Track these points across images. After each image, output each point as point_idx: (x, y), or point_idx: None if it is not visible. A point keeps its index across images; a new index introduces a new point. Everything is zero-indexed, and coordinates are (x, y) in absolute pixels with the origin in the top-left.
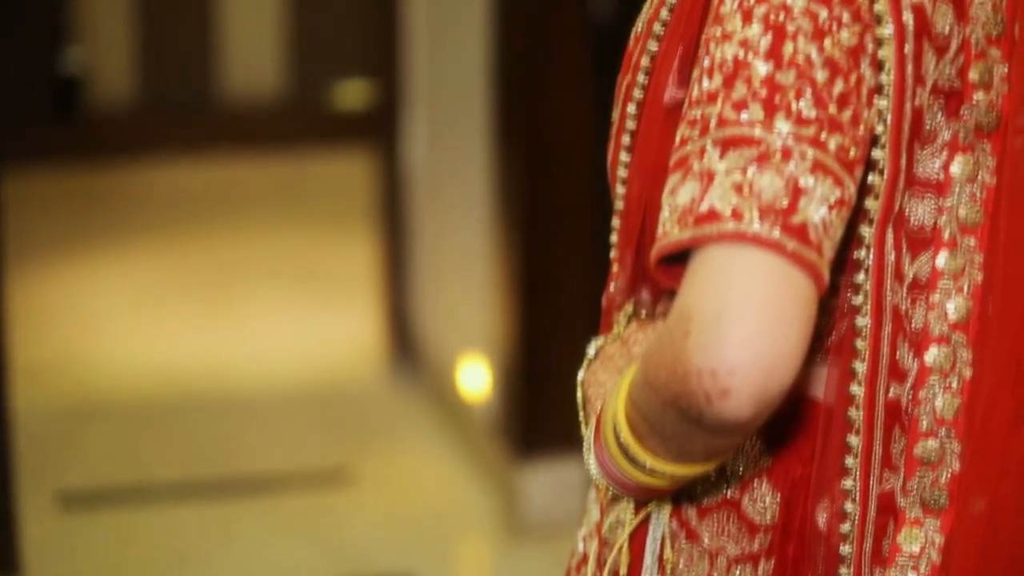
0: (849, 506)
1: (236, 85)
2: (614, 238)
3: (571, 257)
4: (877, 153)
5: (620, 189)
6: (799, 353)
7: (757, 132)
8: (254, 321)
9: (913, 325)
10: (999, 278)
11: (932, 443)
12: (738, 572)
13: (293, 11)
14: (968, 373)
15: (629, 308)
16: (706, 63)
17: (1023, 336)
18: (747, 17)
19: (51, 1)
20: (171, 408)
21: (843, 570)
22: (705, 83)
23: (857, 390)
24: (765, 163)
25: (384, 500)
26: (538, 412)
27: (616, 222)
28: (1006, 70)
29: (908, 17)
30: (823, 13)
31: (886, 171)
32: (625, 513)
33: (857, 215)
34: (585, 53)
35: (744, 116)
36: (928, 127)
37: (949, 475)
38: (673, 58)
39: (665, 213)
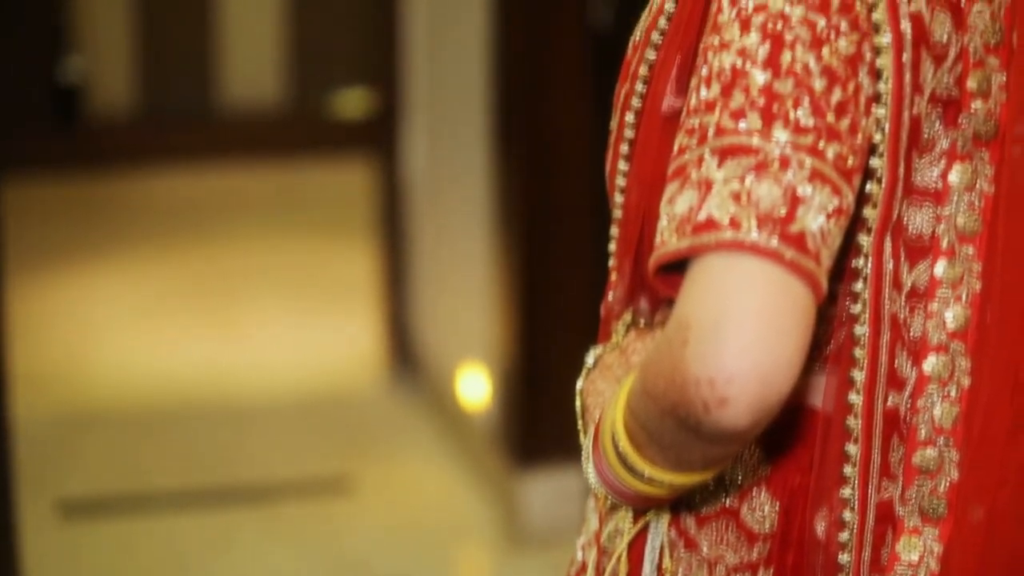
0: (848, 515)
1: (236, 93)
2: (612, 247)
3: (570, 265)
4: (875, 162)
5: (618, 198)
6: (797, 362)
7: (755, 141)
8: (254, 329)
9: (911, 334)
10: (997, 287)
11: (930, 452)
12: None
13: (293, 19)
14: (966, 382)
15: (628, 317)
16: (704, 72)
17: (1021, 345)
18: (745, 26)
19: (51, 9)
20: (171, 416)
21: None
22: (703, 92)
23: (855, 399)
24: (763, 172)
25: (384, 508)
26: (537, 420)
27: (614, 231)
28: (1004, 79)
29: (906, 26)
30: (821, 22)
31: (884, 180)
32: (624, 522)
33: (855, 224)
34: (584, 60)
35: (742, 125)
36: (926, 136)
37: (948, 484)
38: (671, 67)
39: (663, 222)
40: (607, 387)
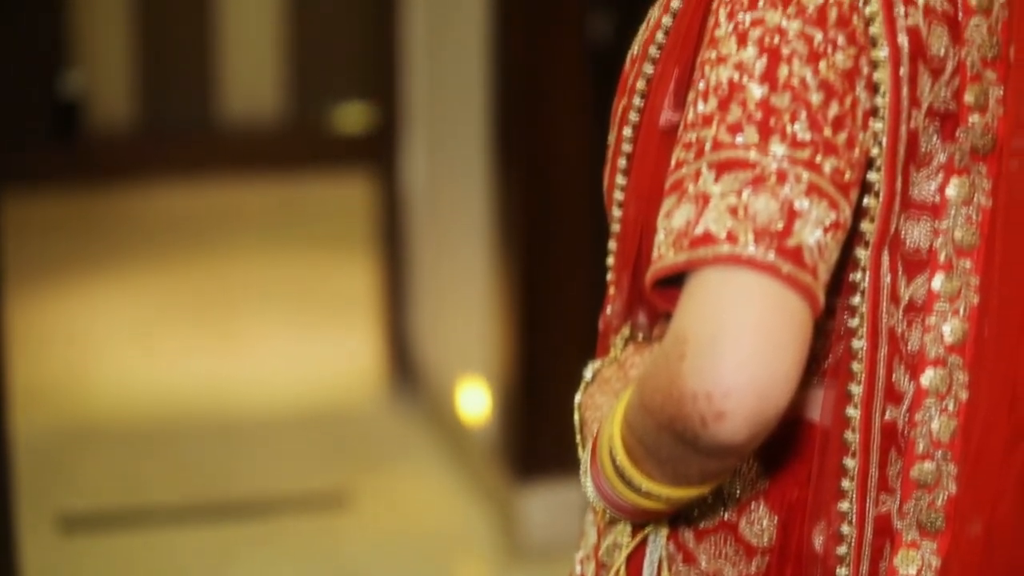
0: (846, 528)
1: (235, 108)
2: (611, 261)
3: (570, 280)
4: (873, 176)
5: (616, 212)
6: (794, 376)
7: (752, 155)
8: (253, 344)
9: (909, 347)
10: (995, 300)
11: (928, 465)
12: None
13: (292, 34)
14: (964, 395)
15: (626, 331)
16: (701, 86)
17: (1019, 358)
18: (742, 40)
19: (51, 24)
20: (171, 431)
21: None
22: (700, 106)
23: (853, 412)
24: (760, 186)
25: (383, 522)
26: (537, 435)
27: (612, 245)
28: (1001, 92)
29: (903, 39)
30: (818, 36)
31: (882, 193)
32: (622, 536)
33: (853, 238)
34: (584, 74)
35: (739, 139)
36: (924, 149)
37: (945, 497)
38: (669, 81)
39: (660, 236)
40: (605, 401)
